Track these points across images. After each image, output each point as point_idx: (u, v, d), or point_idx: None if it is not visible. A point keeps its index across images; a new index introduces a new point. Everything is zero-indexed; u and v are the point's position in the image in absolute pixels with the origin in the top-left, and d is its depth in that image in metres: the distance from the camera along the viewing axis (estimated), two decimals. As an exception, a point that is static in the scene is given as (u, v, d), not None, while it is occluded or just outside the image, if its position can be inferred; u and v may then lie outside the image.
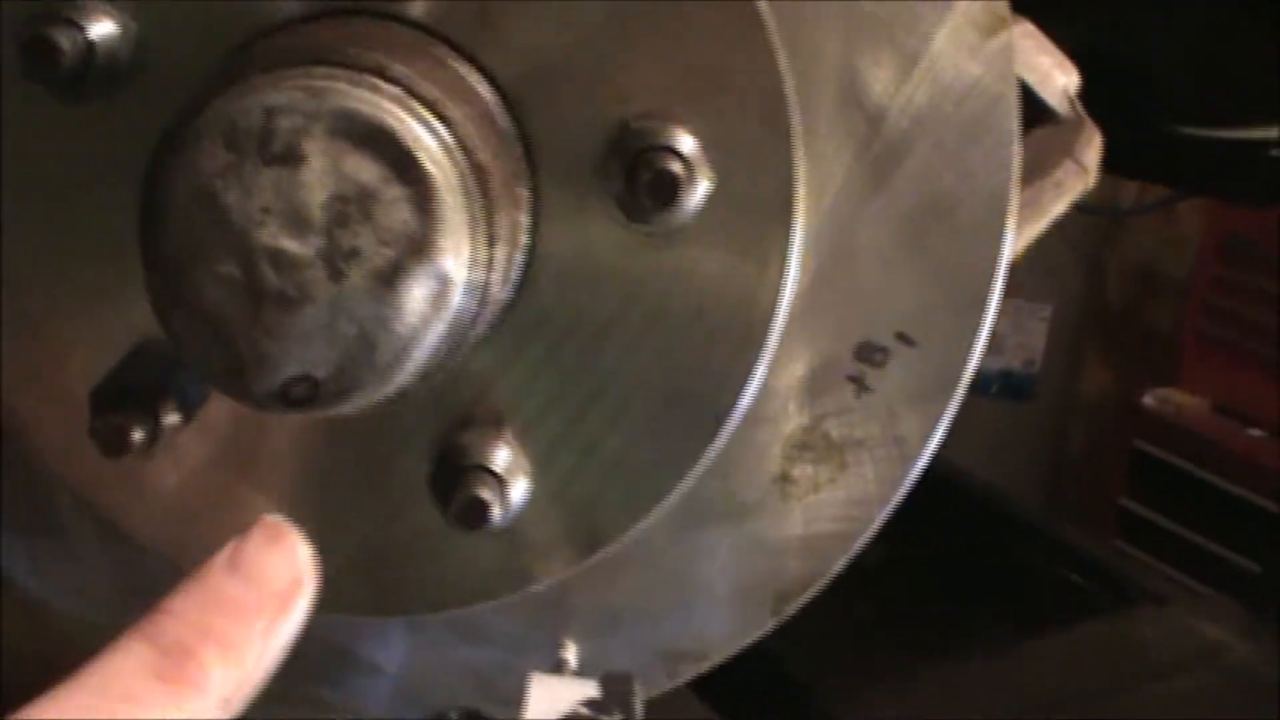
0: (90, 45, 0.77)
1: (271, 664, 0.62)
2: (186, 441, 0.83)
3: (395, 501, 0.84)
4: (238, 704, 0.61)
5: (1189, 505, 2.06)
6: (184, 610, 0.60)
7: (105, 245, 0.81)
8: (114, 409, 0.79)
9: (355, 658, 0.94)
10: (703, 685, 0.99)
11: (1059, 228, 1.04)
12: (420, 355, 0.71)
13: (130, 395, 0.80)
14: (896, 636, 1.58)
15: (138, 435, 0.79)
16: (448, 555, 0.85)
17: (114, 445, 0.79)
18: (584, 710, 0.76)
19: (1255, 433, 2.05)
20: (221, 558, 0.62)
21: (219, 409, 0.83)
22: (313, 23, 0.78)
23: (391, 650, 0.94)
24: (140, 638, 0.58)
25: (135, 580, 0.93)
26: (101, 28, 0.77)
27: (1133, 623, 1.53)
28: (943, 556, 1.62)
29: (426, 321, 0.71)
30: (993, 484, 1.71)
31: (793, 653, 1.43)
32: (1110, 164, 1.10)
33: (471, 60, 0.79)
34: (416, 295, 0.70)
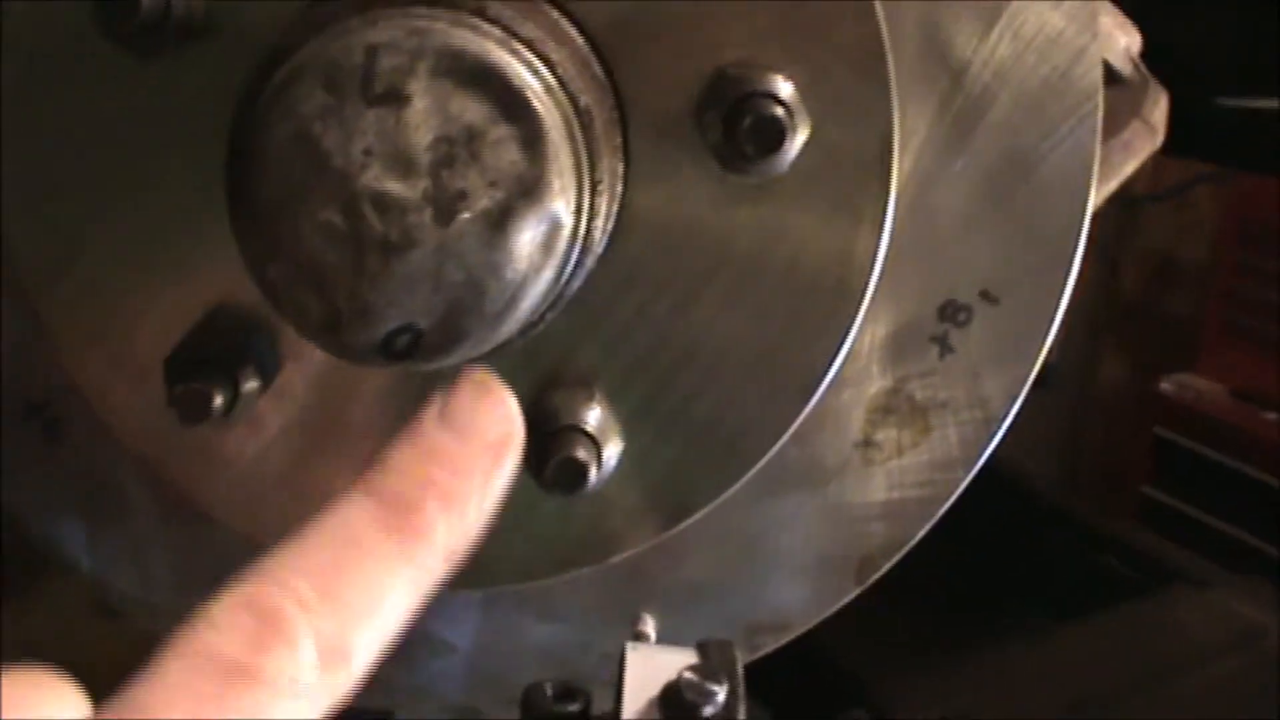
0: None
1: (488, 517, 0.60)
2: (264, 409, 0.79)
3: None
4: (459, 557, 0.58)
5: (1211, 491, 2.04)
6: (402, 464, 0.56)
7: (177, 208, 0.78)
8: (192, 375, 0.76)
9: (427, 637, 0.91)
10: (749, 677, 0.96)
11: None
12: (529, 303, 0.68)
13: (207, 362, 0.77)
14: (937, 626, 1.55)
15: (218, 400, 0.75)
16: (536, 522, 0.82)
17: (194, 411, 0.75)
18: (690, 676, 0.73)
19: (1275, 417, 2.04)
20: (431, 412, 0.58)
21: (298, 375, 0.80)
22: None
23: (464, 629, 0.91)
24: (363, 490, 0.55)
25: (196, 561, 0.89)
26: None
27: (1171, 606, 1.50)
28: (975, 544, 1.59)
29: (536, 266, 0.67)
30: (1021, 471, 1.69)
31: (840, 643, 1.39)
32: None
33: (561, 7, 0.76)
34: (527, 238, 0.67)
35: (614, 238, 0.78)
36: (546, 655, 0.91)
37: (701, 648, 0.78)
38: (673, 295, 0.79)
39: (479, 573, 0.83)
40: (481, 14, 0.69)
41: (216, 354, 0.77)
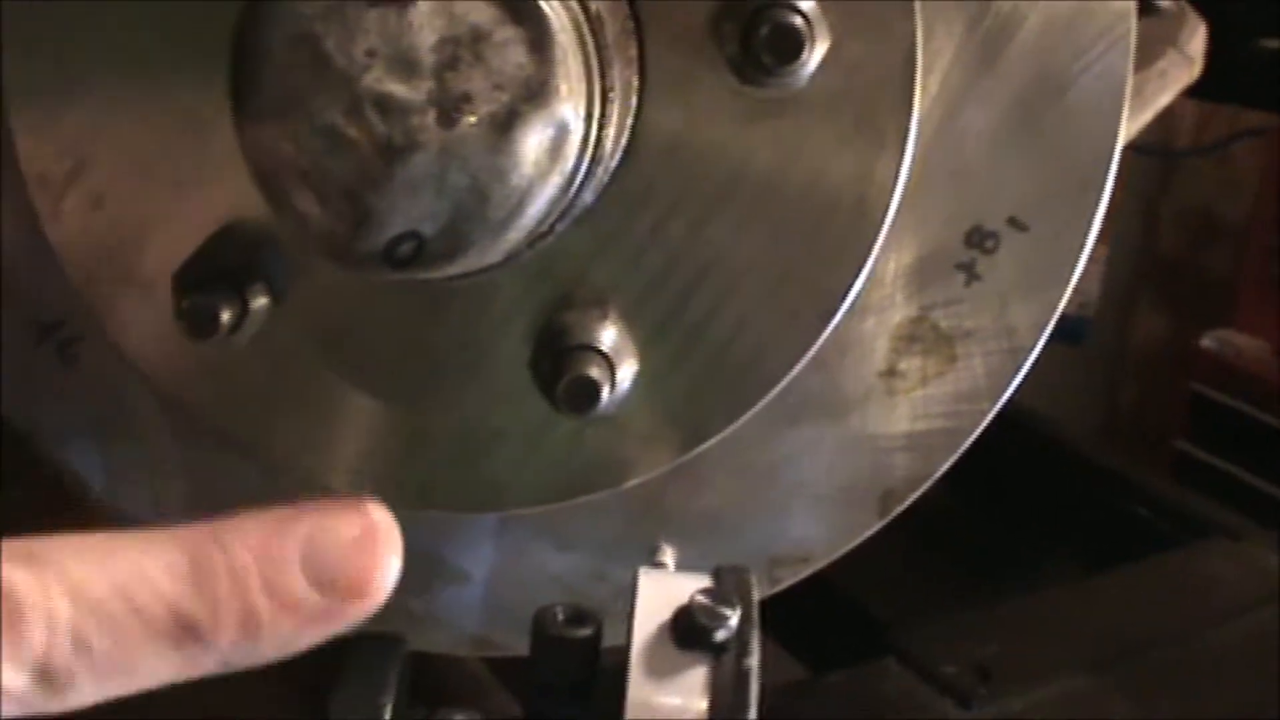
0: None
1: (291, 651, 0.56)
2: (274, 325, 0.77)
3: (495, 387, 0.78)
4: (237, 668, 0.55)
5: (1248, 448, 2.00)
6: (239, 553, 0.53)
7: (185, 119, 0.75)
8: (200, 290, 0.74)
9: (444, 565, 0.89)
10: (779, 625, 0.94)
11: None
12: (535, 210, 0.65)
13: (217, 276, 0.74)
14: (969, 575, 1.52)
15: (226, 316, 0.73)
16: (550, 444, 0.79)
17: (202, 326, 0.73)
18: (702, 599, 0.70)
19: (1314, 374, 2.00)
20: (307, 525, 0.55)
21: (308, 291, 0.77)
22: None
23: (480, 557, 0.89)
24: (181, 549, 0.52)
25: (210, 484, 0.87)
26: None
27: (1205, 558, 1.46)
28: (1006, 494, 1.56)
29: (543, 172, 0.65)
30: (1053, 420, 1.65)
31: (869, 592, 1.37)
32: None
33: None
34: (533, 143, 0.64)
35: (628, 153, 0.75)
36: (562, 585, 0.88)
37: (717, 573, 0.75)
38: (688, 213, 0.76)
39: (490, 496, 0.82)
40: (489, -88, 0.66)
41: (226, 270, 0.75)
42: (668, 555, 0.87)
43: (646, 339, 0.77)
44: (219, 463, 0.85)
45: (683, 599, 0.71)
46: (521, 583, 0.89)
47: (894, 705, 1.25)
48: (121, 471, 0.88)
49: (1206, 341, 2.12)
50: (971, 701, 1.22)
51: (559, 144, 0.64)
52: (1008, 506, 1.56)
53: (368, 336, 0.79)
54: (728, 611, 0.70)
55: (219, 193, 0.75)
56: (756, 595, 0.74)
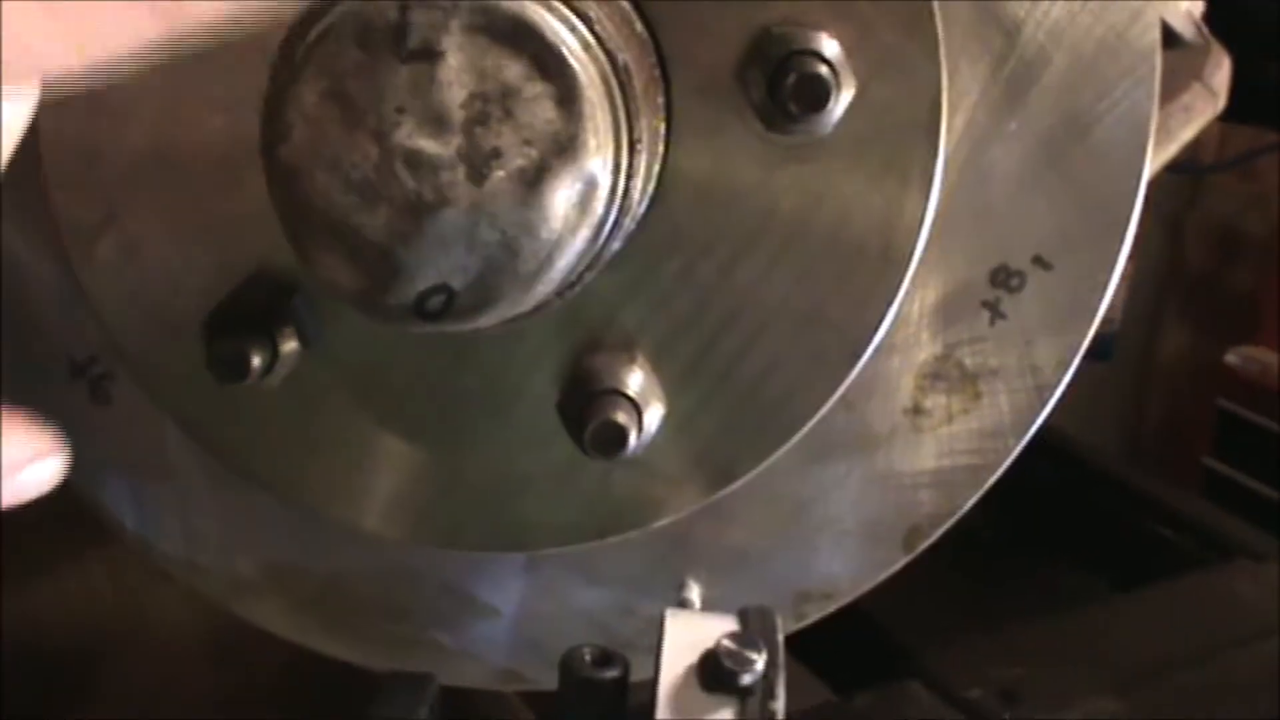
0: None
1: None
2: (305, 370, 0.77)
3: (523, 429, 0.79)
4: None
5: (1274, 464, 1.99)
6: None
7: (218, 164, 0.76)
8: (231, 335, 0.74)
9: (473, 601, 0.89)
10: (804, 649, 0.94)
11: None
12: (564, 263, 0.65)
13: (247, 321, 0.75)
14: (992, 596, 1.51)
15: (256, 360, 0.73)
16: (578, 486, 0.80)
17: (232, 371, 0.73)
18: (729, 644, 0.71)
19: (1338, 392, 1.99)
20: None
21: (339, 336, 0.78)
22: None
23: (508, 593, 0.89)
24: None
25: (242, 523, 0.88)
26: None
27: (1229, 579, 1.45)
28: (1031, 513, 1.56)
29: (572, 226, 0.65)
30: (1078, 439, 1.65)
31: (893, 615, 1.37)
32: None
33: None
34: (562, 198, 0.64)
35: (656, 198, 0.75)
36: (590, 620, 0.88)
37: (742, 615, 0.75)
38: (716, 257, 0.76)
39: (519, 537, 0.82)
40: (519, -32, 0.66)
41: (256, 315, 0.75)
42: (694, 591, 0.87)
43: (674, 381, 0.78)
44: (251, 500, 0.85)
45: (709, 642, 0.71)
46: (550, 618, 0.89)
47: (920, 729, 1.24)
48: (154, 510, 0.88)
49: (1231, 358, 2.11)
50: (996, 725, 1.22)
51: (588, 198, 0.65)
52: (1032, 526, 1.56)
53: (397, 380, 0.79)
54: (753, 655, 0.70)
55: (250, 239, 0.76)
56: (781, 637, 0.74)
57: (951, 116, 0.79)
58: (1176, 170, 1.99)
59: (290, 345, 0.75)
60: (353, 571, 0.88)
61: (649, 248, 0.76)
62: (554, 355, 0.77)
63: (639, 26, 0.72)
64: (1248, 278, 2.23)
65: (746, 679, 0.70)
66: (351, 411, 0.79)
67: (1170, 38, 0.98)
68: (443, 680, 0.82)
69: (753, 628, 0.74)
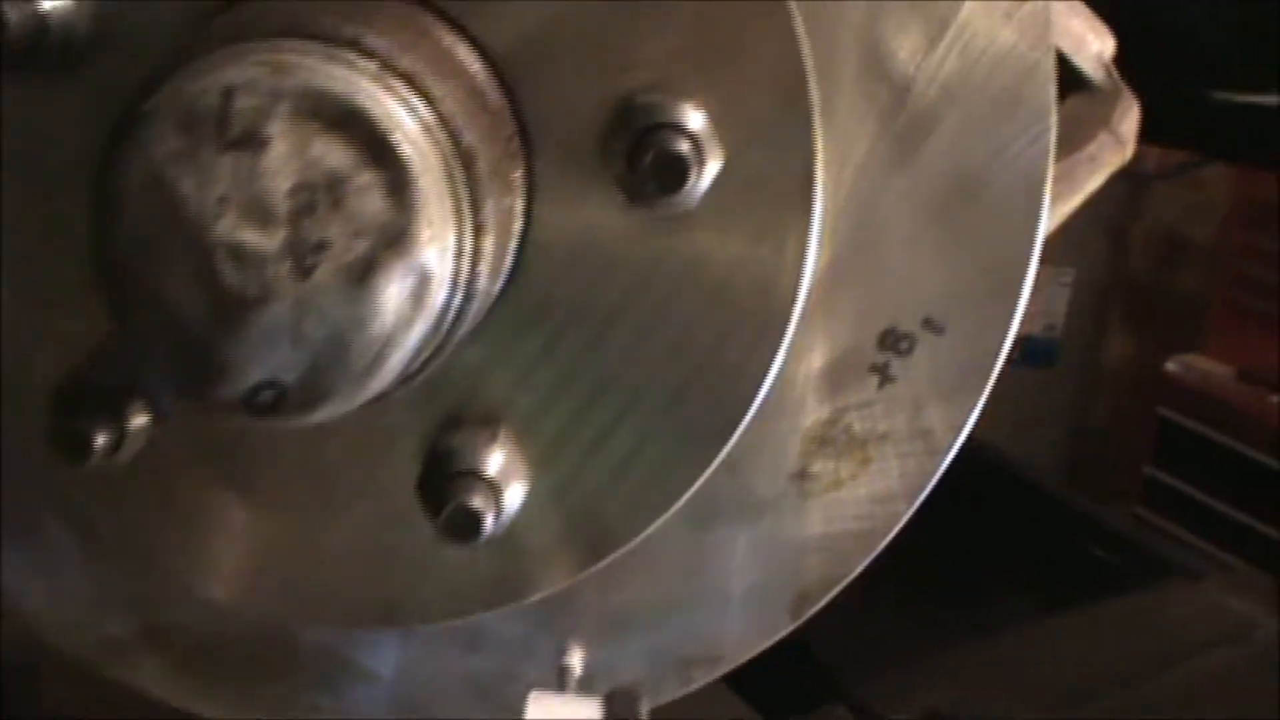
0: (42, 16, 0.67)
1: None
2: (161, 442, 0.73)
3: (384, 507, 0.75)
4: None
5: (1215, 473, 1.96)
6: None
7: (69, 235, 0.71)
8: (76, 411, 0.70)
9: (351, 664, 0.86)
10: (732, 674, 0.91)
11: (1082, 191, 0.95)
12: (398, 358, 0.62)
13: (94, 395, 0.71)
14: (922, 617, 1.48)
15: (101, 440, 0.70)
16: (442, 564, 0.76)
17: (75, 450, 0.70)
18: (585, 735, 0.67)
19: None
20: None
21: (193, 408, 0.74)
22: None
23: (386, 657, 0.85)
24: None
25: (117, 585, 0.84)
26: None
27: (1162, 599, 1.43)
28: (964, 532, 1.53)
29: (405, 321, 0.61)
30: (1013, 456, 1.61)
31: (818, 636, 1.33)
32: (1140, 129, 1.00)
33: (460, 29, 0.69)
34: (393, 292, 0.60)
35: (518, 270, 0.71)
36: (472, 684, 0.85)
37: (607, 699, 0.72)
38: (584, 329, 0.73)
39: (385, 614, 0.79)
40: (357, 46, 0.62)
41: (106, 387, 0.71)
42: (576, 658, 0.84)
43: (540, 456, 0.74)
44: (120, 567, 0.82)
45: (568, 733, 0.68)
46: (431, 682, 0.86)
47: (843, 755, 1.22)
48: (22, 569, 0.84)
49: (1173, 366, 2.07)
50: (922, 751, 1.19)
51: (422, 291, 0.61)
52: (963, 543, 1.53)
53: (255, 453, 0.75)
54: (611, 750, 0.67)
55: (99, 307, 0.72)
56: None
57: (838, 175, 0.76)
58: (1121, 177, 1.95)
59: (140, 420, 0.71)
60: (229, 632, 0.84)
61: (512, 320, 0.72)
62: (415, 431, 0.74)
63: (493, 98, 0.68)
64: (1191, 285, 2.20)
65: (604, 772, 0.67)
66: (210, 484, 0.76)
67: (1079, 81, 0.94)
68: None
69: (614, 713, 0.70)
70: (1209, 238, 2.15)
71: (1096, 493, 2.12)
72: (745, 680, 1.32)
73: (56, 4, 0.67)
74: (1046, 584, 1.52)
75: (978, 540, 1.55)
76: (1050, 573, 1.53)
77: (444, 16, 0.69)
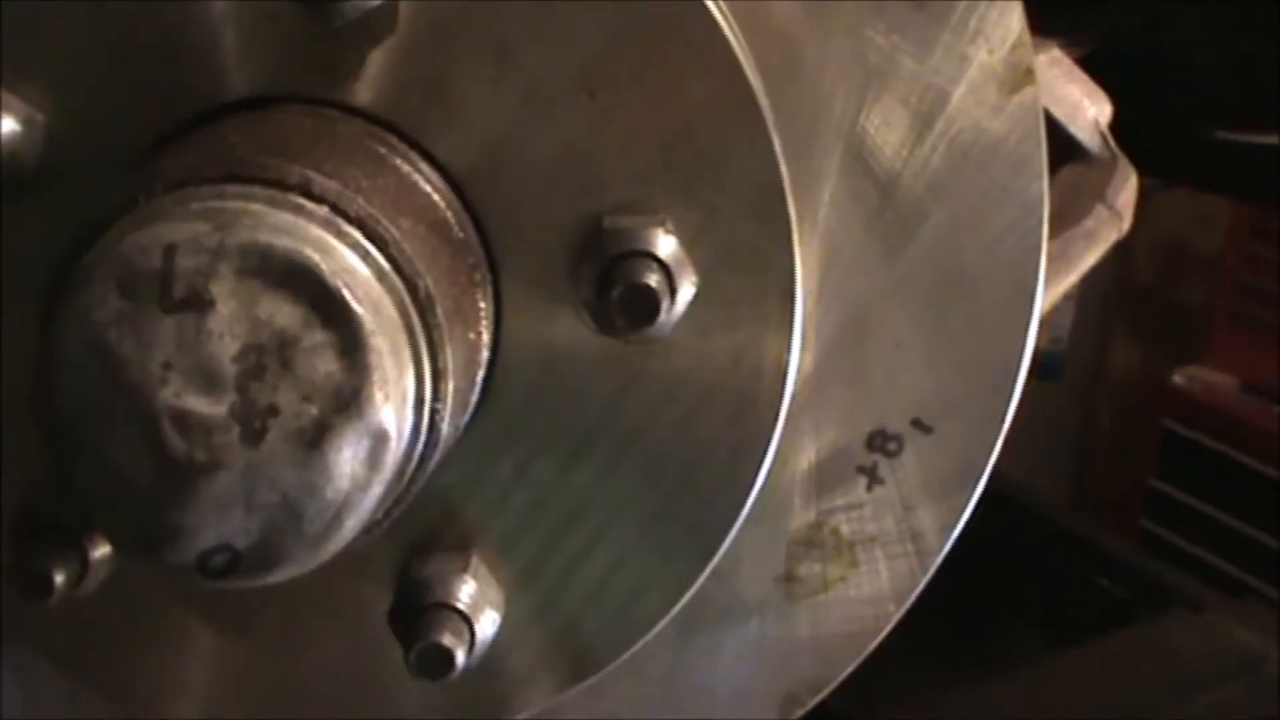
0: None
1: None
2: (124, 571, 0.70)
3: (356, 635, 0.72)
4: None
5: (1219, 485, 1.92)
6: None
7: (24, 366, 0.68)
8: (35, 547, 0.67)
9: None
10: None
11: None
12: (355, 520, 0.58)
13: (52, 531, 0.68)
14: (921, 649, 1.45)
15: (61, 577, 0.67)
16: (417, 690, 0.73)
17: (34, 589, 0.67)
18: None
19: (1285, 411, 1.91)
20: None
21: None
22: (241, 115, 0.64)
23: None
24: None
25: (87, 698, 0.81)
26: (1, 124, 0.64)
27: (1167, 631, 1.40)
28: (965, 561, 1.49)
29: (361, 484, 0.57)
30: (1016, 481, 1.58)
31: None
32: (1138, 163, 0.96)
33: (422, 151, 0.65)
34: (347, 456, 0.57)
35: (490, 394, 0.68)
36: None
37: None
38: (556, 452, 0.70)
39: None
40: (306, 191, 0.58)
41: (66, 521, 0.68)
42: (562, 763, 0.81)
43: (515, 582, 0.71)
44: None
45: None
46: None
47: (845, 797, 1.19)
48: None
49: (1177, 378, 2.03)
50: (923, 794, 1.17)
51: (377, 453, 0.57)
52: (967, 574, 1.49)
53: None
54: None
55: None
56: None
57: (824, 274, 0.73)
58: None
59: (102, 552, 0.68)
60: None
61: (483, 444, 0.69)
62: (386, 558, 0.70)
63: (457, 230, 0.64)
64: (1195, 296, 2.15)
65: None
66: (178, 610, 0.73)
67: (1074, 149, 0.90)
68: None
69: None
70: (1213, 248, 2.10)
71: (1101, 506, 2.08)
72: None
73: (3, 132, 0.64)
74: (1050, 614, 1.49)
75: (980, 571, 1.52)
76: (1054, 602, 1.50)
77: (404, 138, 0.65)
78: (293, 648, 0.74)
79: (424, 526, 0.70)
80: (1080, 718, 1.28)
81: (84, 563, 0.68)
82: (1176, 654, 1.37)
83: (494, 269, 0.66)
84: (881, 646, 1.42)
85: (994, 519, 1.53)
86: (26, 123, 0.65)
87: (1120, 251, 2.19)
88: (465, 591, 0.69)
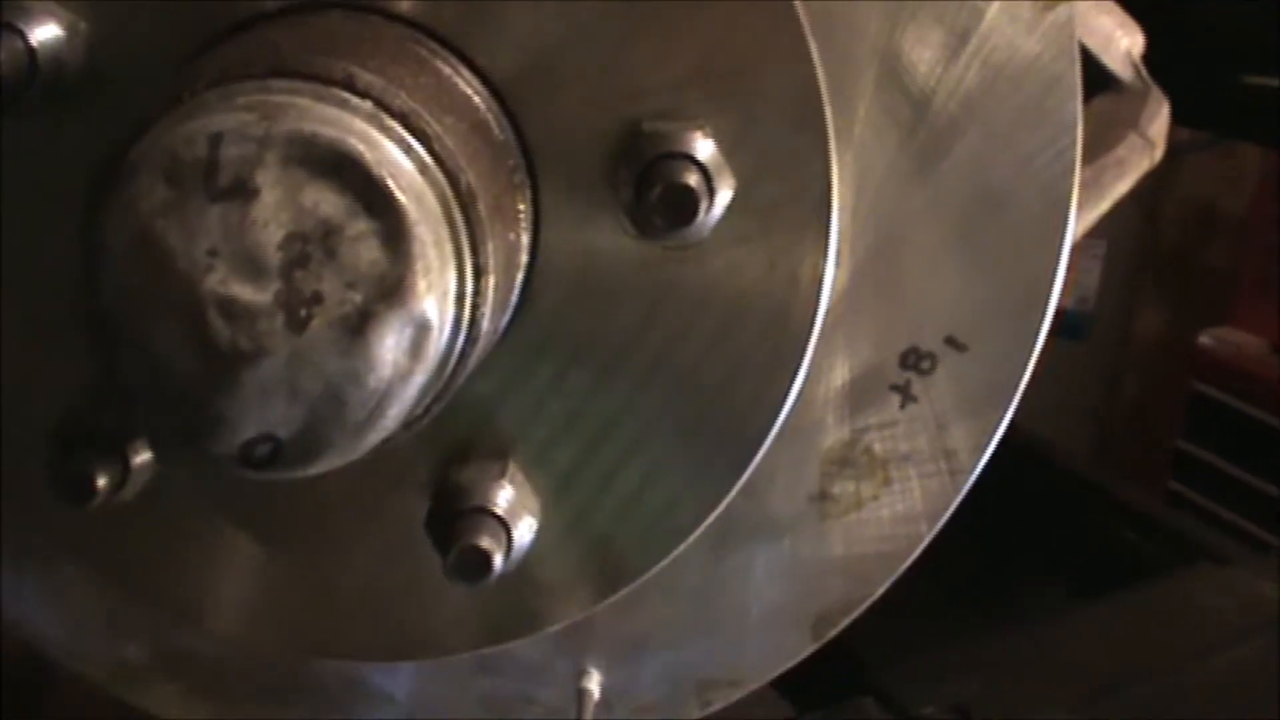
0: (32, 51, 0.64)
1: None
2: (164, 481, 0.71)
3: (392, 543, 0.72)
4: None
5: (1247, 446, 1.91)
6: None
7: (64, 273, 0.69)
8: (77, 453, 0.68)
9: (366, 688, 0.83)
10: None
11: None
12: (397, 410, 0.59)
13: (95, 436, 0.68)
14: (946, 603, 1.45)
15: (103, 480, 0.67)
16: (453, 599, 0.73)
17: (78, 493, 0.67)
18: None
19: (1313, 372, 1.90)
20: None
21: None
22: (283, 19, 0.65)
23: (401, 681, 0.83)
24: None
25: (129, 612, 0.82)
26: (45, 31, 0.64)
27: (1192, 585, 1.39)
28: (992, 517, 1.49)
29: (403, 373, 0.58)
30: (1041, 438, 1.57)
31: (848, 627, 1.30)
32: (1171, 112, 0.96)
33: (463, 57, 0.65)
34: (390, 344, 0.57)
35: (527, 299, 0.68)
36: (488, 708, 0.83)
37: None
38: (593, 360, 0.70)
39: (394, 648, 0.76)
40: (351, 86, 0.58)
41: (107, 428, 0.69)
42: (594, 681, 0.81)
43: (551, 491, 0.71)
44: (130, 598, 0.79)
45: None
46: (446, 705, 0.83)
47: (871, 748, 1.19)
48: (35, 598, 0.82)
49: (1205, 339, 2.02)
50: (951, 744, 1.16)
51: (420, 342, 0.58)
52: (992, 528, 1.49)
53: (259, 490, 0.72)
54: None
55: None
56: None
57: (858, 192, 0.72)
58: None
59: (143, 458, 0.69)
60: (243, 658, 0.82)
61: (521, 352, 0.69)
62: (424, 465, 0.71)
63: (496, 130, 0.64)
64: (1223, 257, 2.14)
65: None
66: (213, 521, 0.73)
67: (1107, 80, 0.90)
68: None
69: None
70: (1241, 209, 2.09)
71: (1128, 467, 2.08)
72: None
73: (46, 39, 0.64)
74: (1076, 569, 1.49)
75: (1006, 525, 1.52)
76: (1080, 557, 1.50)
77: (445, 44, 0.65)
78: (330, 558, 0.74)
79: (461, 434, 0.70)
80: (1105, 670, 1.28)
81: (125, 468, 0.68)
82: (1201, 607, 1.37)
83: (533, 174, 0.67)
84: (912, 599, 1.43)
85: (1021, 474, 1.54)
86: (70, 30, 0.65)
87: (1147, 213, 2.19)
88: (503, 497, 0.69)
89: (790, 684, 1.32)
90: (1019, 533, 1.54)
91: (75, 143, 0.66)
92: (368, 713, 0.84)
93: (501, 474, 0.70)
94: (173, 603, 0.76)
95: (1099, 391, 2.26)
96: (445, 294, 0.58)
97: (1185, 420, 2.05)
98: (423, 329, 0.57)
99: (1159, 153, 0.88)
